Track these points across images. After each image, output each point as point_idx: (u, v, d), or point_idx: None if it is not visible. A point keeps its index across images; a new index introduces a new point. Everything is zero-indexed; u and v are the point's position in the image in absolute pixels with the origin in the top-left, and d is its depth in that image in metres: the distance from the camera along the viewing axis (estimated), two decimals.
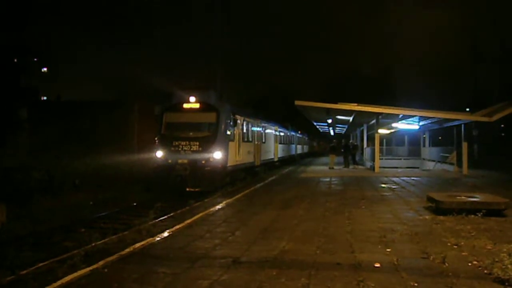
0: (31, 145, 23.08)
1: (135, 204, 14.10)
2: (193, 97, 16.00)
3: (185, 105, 16.11)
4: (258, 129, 22.12)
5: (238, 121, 17.69)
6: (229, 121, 16.30)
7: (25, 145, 21.09)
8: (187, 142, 15.34)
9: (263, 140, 23.40)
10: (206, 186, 14.99)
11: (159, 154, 15.47)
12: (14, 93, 14.72)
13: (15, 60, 15.48)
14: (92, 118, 28.89)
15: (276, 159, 27.86)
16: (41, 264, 7.24)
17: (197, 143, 15.32)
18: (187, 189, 14.88)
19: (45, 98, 35.71)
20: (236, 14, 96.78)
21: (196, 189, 14.84)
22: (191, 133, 15.72)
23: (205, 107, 16.01)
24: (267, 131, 24.78)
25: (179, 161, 15.13)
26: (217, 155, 15.25)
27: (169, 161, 15.19)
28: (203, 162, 15.09)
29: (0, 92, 14.02)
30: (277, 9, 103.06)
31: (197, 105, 16.04)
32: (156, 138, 16.11)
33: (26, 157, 20.81)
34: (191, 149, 15.27)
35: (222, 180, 15.89)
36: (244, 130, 19.07)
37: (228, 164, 16.09)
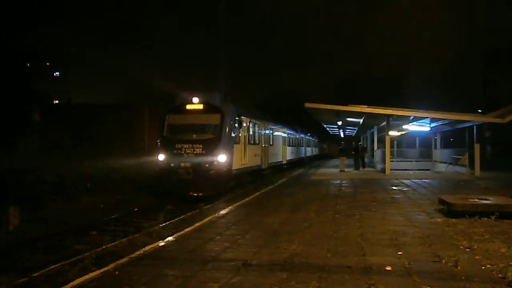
0: (42, 148, 23.35)
1: (145, 207, 14.13)
2: (196, 98, 15.50)
3: (188, 106, 15.56)
4: (266, 131, 21.55)
5: (244, 123, 17.09)
6: (234, 122, 15.69)
7: (36, 148, 21.35)
8: (190, 145, 14.79)
9: (271, 143, 22.82)
10: (210, 191, 14.45)
11: (161, 157, 14.96)
12: (27, 97, 14.91)
13: (28, 65, 15.69)
14: (102, 122, 29.13)
15: (284, 162, 27.31)
16: (52, 267, 7.33)
17: (201, 146, 14.76)
18: (190, 194, 14.41)
19: (56, 101, 36.18)
20: (244, 15, 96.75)
21: (200, 194, 14.35)
22: (194, 136, 15.18)
23: (209, 108, 15.45)
24: (275, 133, 24.20)
25: (182, 164, 14.57)
26: (222, 158, 14.67)
27: (172, 164, 14.67)
28: (207, 165, 14.53)
29: (13, 96, 14.22)
30: (285, 11, 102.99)
31: (200, 106, 15.50)
32: (158, 141, 15.62)
33: (38, 160, 21.06)
34: (195, 152, 14.71)
35: (226, 184, 15.39)
36: (251, 132, 18.44)
37: (233, 168, 15.49)
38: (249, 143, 17.90)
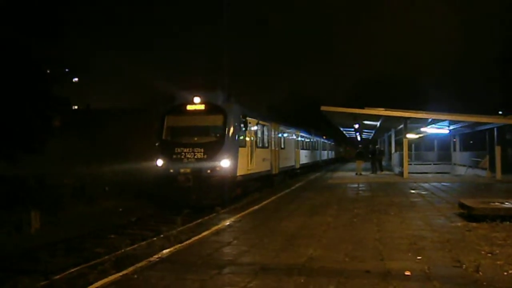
0: (62, 153, 23.81)
1: (162, 210, 14.23)
2: (197, 97, 14.35)
3: (189, 107, 14.43)
4: (276, 133, 20.25)
5: (251, 124, 15.78)
6: (239, 124, 14.41)
7: (57, 153, 21.79)
8: (191, 149, 13.65)
9: (282, 146, 21.55)
10: (212, 199, 13.37)
11: (160, 162, 13.90)
12: (48, 103, 15.26)
13: (48, 71, 16.05)
14: (120, 126, 29.56)
15: (297, 167, 26.12)
16: (73, 270, 7.46)
17: (202, 150, 13.61)
18: (191, 203, 13.34)
19: (75, 107, 36.90)
20: (245, 15, 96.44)
21: (201, 203, 13.27)
22: (195, 138, 14.08)
23: (211, 108, 14.30)
24: (287, 135, 23.02)
25: (181, 170, 13.44)
26: (225, 163, 13.51)
27: (171, 170, 13.59)
28: (209, 171, 13.38)
29: (35, 102, 14.58)
30: (299, 12, 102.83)
31: (202, 107, 14.36)
32: (156, 144, 14.52)
33: (58, 164, 21.49)
34: (195, 157, 13.57)
35: (231, 192, 14.09)
36: (259, 135, 17.23)
37: (238, 174, 14.29)
38: (257, 146, 16.72)
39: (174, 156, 13.72)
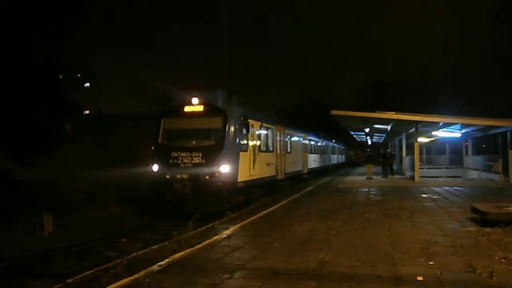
0: (74, 157, 24.06)
1: (172, 214, 14.25)
2: (195, 98, 13.61)
3: (187, 108, 13.69)
4: (282, 136, 19.39)
5: (253, 127, 15.01)
6: (240, 126, 13.64)
7: (69, 157, 22.05)
8: (188, 153, 12.90)
9: (288, 150, 20.71)
10: (210, 208, 12.39)
11: (155, 168, 13.18)
12: (59, 108, 15.45)
13: (60, 76, 16.24)
14: (131, 130, 29.79)
15: (305, 171, 25.26)
16: (86, 273, 7.55)
17: (200, 154, 12.83)
18: (188, 211, 12.03)
19: (87, 112, 37.32)
20: (249, 16, 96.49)
21: (198, 211, 11.79)
22: (193, 142, 13.32)
23: (210, 110, 13.53)
24: (294, 139, 22.25)
25: (178, 176, 12.68)
26: (224, 168, 12.73)
27: (167, 176, 12.85)
28: (207, 177, 12.59)
29: (47, 107, 14.77)
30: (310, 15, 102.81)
31: (200, 108, 13.61)
32: (152, 148, 13.88)
33: (70, 169, 21.72)
34: (193, 162, 12.79)
35: (231, 200, 13.20)
36: (262, 138, 16.41)
37: (239, 180, 13.44)
38: (260, 150, 15.79)
39: (171, 161, 12.97)
